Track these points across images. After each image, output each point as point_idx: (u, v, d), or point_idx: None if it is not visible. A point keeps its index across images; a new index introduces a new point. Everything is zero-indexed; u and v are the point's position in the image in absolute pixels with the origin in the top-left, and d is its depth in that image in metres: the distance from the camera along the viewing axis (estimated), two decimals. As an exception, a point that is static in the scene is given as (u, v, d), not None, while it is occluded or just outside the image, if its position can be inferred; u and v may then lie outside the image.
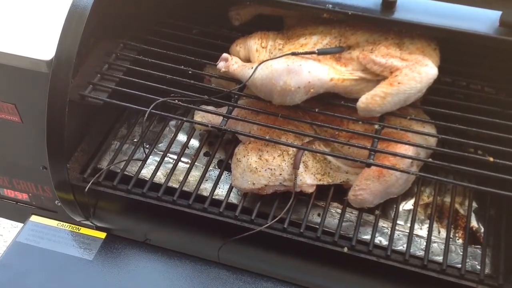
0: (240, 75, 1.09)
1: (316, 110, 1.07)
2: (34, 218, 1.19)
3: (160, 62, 1.16)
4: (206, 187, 1.17)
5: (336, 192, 1.12)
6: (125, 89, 1.12)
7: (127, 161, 1.18)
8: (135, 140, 1.27)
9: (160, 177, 1.20)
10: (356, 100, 1.03)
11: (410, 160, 1.03)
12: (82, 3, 1.07)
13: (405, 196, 1.14)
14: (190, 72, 1.14)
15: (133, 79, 1.13)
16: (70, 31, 1.07)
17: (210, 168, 1.21)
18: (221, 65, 1.12)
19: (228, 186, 1.16)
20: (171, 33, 1.26)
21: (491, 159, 0.97)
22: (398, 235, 1.10)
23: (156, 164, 1.19)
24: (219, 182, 1.16)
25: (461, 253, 1.05)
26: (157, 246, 1.14)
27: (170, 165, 1.20)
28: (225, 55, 1.12)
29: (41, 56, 1.13)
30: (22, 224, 1.21)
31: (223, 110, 1.16)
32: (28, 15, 1.24)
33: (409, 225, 1.09)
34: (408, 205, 1.15)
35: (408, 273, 1.01)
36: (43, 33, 1.18)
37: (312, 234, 1.04)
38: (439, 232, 1.11)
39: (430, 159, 1.02)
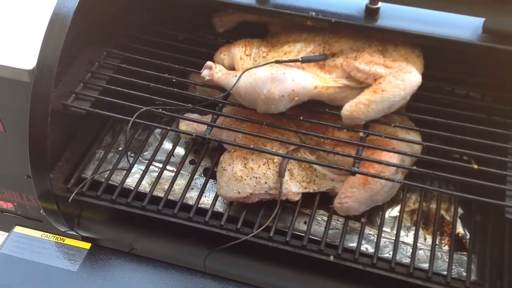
0: (224, 83, 1.08)
1: (301, 117, 1.07)
2: (17, 229, 1.17)
3: (144, 70, 1.15)
4: (191, 196, 1.17)
5: (322, 200, 1.12)
6: (109, 98, 1.11)
7: (112, 170, 1.17)
8: (119, 148, 1.26)
9: (145, 186, 1.18)
10: (341, 107, 1.03)
11: (395, 168, 1.03)
12: (63, 11, 1.06)
13: (391, 203, 1.13)
14: (174, 80, 1.14)
15: (117, 88, 1.12)
16: (52, 40, 1.06)
17: (196, 176, 1.20)
18: (205, 73, 1.11)
19: (214, 195, 1.15)
20: (155, 41, 1.25)
21: (476, 166, 0.97)
22: (385, 242, 1.09)
23: (141, 173, 1.18)
24: (204, 191, 1.15)
25: (447, 260, 1.04)
26: (143, 256, 1.13)
27: (155, 174, 1.19)
28: (209, 63, 1.12)
29: (22, 65, 1.12)
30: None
31: (208, 118, 1.15)
32: (9, 24, 1.23)
33: (395, 232, 1.09)
34: (394, 212, 1.15)
35: (395, 281, 1.00)
36: (25, 42, 1.17)
37: (298, 243, 1.04)
38: (425, 239, 1.11)
39: (414, 167, 1.01)
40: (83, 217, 1.16)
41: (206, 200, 1.16)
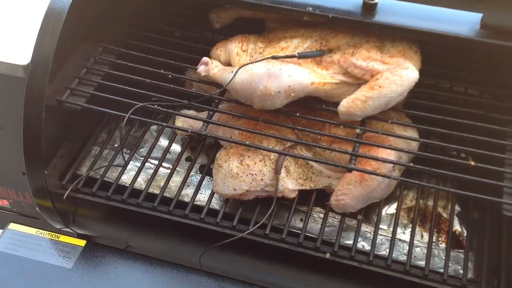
0: (220, 79, 1.07)
1: (298, 114, 1.06)
2: (12, 226, 1.17)
3: (140, 66, 1.14)
4: (187, 193, 1.16)
5: (319, 197, 1.11)
6: (104, 94, 1.10)
7: (107, 167, 1.16)
8: (115, 145, 1.25)
9: (140, 183, 1.18)
10: (338, 104, 1.02)
11: (392, 165, 1.02)
12: (58, 6, 1.05)
13: (388, 200, 1.13)
14: (170, 76, 1.13)
15: (112, 84, 1.11)
16: (47, 35, 1.05)
17: (192, 173, 1.19)
18: (201, 69, 1.10)
19: (210, 192, 1.14)
20: (151, 37, 1.24)
21: (473, 163, 0.96)
22: (381, 239, 1.09)
23: (137, 169, 1.17)
24: (200, 188, 1.14)
25: (444, 258, 1.04)
26: (138, 253, 1.13)
27: (151, 171, 1.19)
28: (205, 59, 1.11)
29: (17, 60, 1.11)
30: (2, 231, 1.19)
31: (204, 114, 1.14)
32: (4, 18, 1.22)
33: (392, 229, 1.08)
34: (391, 209, 1.14)
35: (391, 278, 1.00)
36: (19, 37, 1.16)
37: (294, 240, 1.03)
38: (422, 236, 1.10)
39: (411, 164, 1.01)
40: (78, 214, 1.15)
41: (202, 197, 1.15)
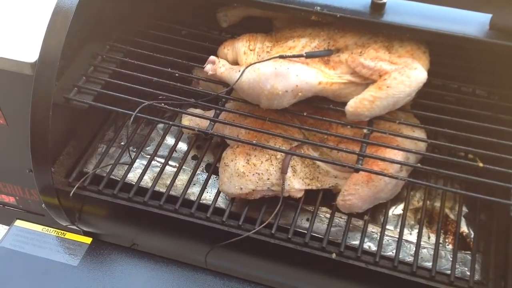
0: (227, 78, 1.07)
1: (305, 113, 1.06)
2: (18, 223, 1.17)
3: (147, 65, 1.14)
4: (193, 191, 1.16)
5: (325, 197, 1.11)
6: (111, 92, 1.10)
7: (113, 165, 1.16)
8: (122, 143, 1.25)
9: (147, 181, 1.18)
10: (345, 104, 1.02)
11: (399, 165, 1.02)
12: (66, 4, 1.05)
13: (395, 201, 1.12)
14: (177, 74, 1.13)
15: (119, 82, 1.12)
16: (54, 33, 1.05)
17: (198, 172, 1.19)
18: (208, 68, 1.10)
19: (216, 190, 1.14)
20: (158, 35, 1.24)
21: (481, 164, 0.96)
22: (388, 240, 1.08)
23: (143, 168, 1.17)
24: (206, 186, 1.14)
25: (451, 259, 1.03)
26: (144, 251, 1.13)
27: (158, 169, 1.19)
28: (212, 57, 1.11)
29: (25, 58, 1.11)
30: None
31: (211, 113, 1.14)
32: (13, 16, 1.22)
33: (398, 230, 1.08)
34: (398, 209, 1.14)
35: (397, 280, 0.99)
36: (28, 35, 1.16)
37: (300, 240, 1.03)
38: (429, 238, 1.09)
39: (419, 164, 1.01)
40: (84, 211, 1.16)
41: (208, 196, 1.15)
